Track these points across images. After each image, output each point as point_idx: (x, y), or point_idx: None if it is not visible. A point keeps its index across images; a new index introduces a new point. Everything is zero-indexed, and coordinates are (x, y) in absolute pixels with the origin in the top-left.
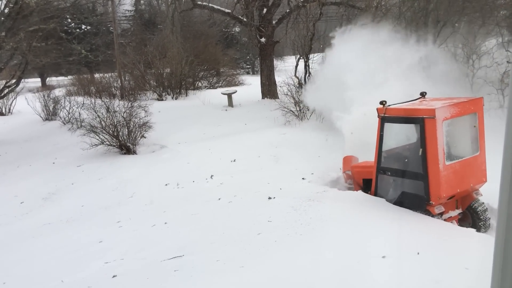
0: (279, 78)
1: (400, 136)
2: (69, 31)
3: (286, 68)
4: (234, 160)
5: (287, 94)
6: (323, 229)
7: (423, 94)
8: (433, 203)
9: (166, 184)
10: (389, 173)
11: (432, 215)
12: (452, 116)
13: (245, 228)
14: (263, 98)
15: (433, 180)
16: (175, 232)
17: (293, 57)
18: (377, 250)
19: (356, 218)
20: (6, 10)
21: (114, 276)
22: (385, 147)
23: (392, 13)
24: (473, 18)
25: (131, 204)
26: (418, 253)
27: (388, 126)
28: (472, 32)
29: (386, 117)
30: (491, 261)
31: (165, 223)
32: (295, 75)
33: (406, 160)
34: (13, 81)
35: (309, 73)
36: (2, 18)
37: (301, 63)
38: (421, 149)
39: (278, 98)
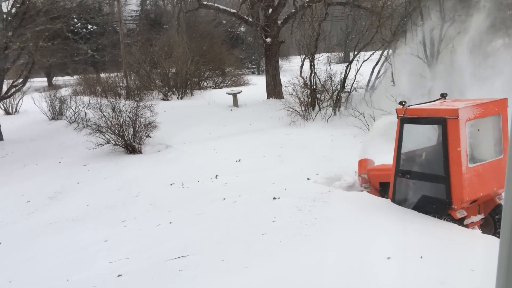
0: (284, 78)
1: (420, 137)
2: (76, 31)
3: (291, 68)
4: (239, 160)
5: (293, 94)
6: (328, 230)
7: (443, 95)
8: (455, 207)
9: (171, 184)
10: (408, 176)
11: (454, 220)
12: (475, 117)
13: (250, 228)
14: (268, 98)
15: (455, 183)
16: (180, 232)
17: (299, 57)
18: (382, 251)
19: (360, 218)
20: (13, 10)
21: (119, 276)
22: (404, 149)
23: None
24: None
25: (136, 203)
26: (421, 257)
27: (407, 127)
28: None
29: (406, 117)
30: (496, 262)
31: (170, 222)
32: (300, 75)
33: (427, 163)
34: (20, 80)
35: (315, 73)
36: (9, 18)
37: (307, 63)
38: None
39: (284, 98)
